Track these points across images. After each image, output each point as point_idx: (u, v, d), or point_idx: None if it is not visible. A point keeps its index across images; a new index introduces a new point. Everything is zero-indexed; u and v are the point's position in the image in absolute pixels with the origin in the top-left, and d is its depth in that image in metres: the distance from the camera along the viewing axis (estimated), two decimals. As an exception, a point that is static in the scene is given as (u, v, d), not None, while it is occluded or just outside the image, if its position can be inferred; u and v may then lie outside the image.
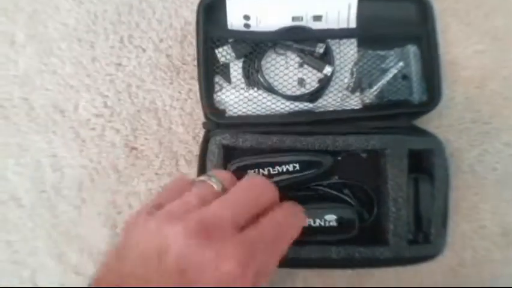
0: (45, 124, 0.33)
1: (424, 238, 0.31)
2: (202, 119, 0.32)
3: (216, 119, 0.31)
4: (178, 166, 0.33)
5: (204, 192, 0.22)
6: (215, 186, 0.22)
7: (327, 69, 0.32)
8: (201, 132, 0.33)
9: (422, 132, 0.32)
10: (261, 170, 0.31)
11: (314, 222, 0.30)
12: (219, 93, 0.32)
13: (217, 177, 0.23)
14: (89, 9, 0.34)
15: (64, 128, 0.33)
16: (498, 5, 0.35)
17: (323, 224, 0.30)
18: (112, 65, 0.33)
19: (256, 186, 0.23)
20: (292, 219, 0.23)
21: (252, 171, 0.30)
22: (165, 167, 0.33)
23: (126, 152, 0.33)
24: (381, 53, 0.32)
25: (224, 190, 0.22)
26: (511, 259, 0.35)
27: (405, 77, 0.32)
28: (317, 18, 0.32)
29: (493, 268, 0.35)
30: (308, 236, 0.29)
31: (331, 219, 0.30)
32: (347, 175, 0.32)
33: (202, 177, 0.23)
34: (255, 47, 0.32)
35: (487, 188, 0.35)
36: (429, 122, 0.35)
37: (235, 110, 0.32)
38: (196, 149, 0.33)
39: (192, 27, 0.32)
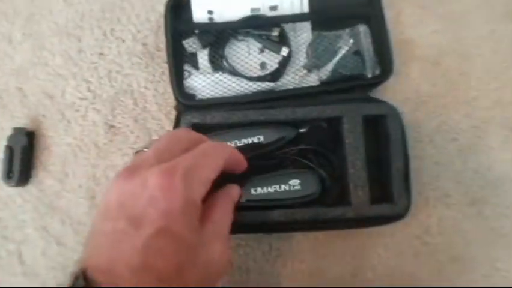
0: (36, 109, 0.37)
1: (387, 198, 0.32)
2: (174, 98, 0.36)
3: (186, 101, 0.35)
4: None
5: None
6: None
7: (284, 50, 0.35)
8: (173, 110, 0.36)
9: (377, 101, 0.35)
10: (228, 143, 0.33)
11: (280, 187, 0.32)
12: (188, 80, 0.36)
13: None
14: (77, 9, 0.39)
15: (52, 111, 0.37)
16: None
17: (287, 188, 0.32)
18: (95, 55, 0.37)
19: (178, 131, 0.29)
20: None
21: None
22: (140, 141, 0.36)
23: (105, 129, 0.36)
24: (334, 33, 0.35)
25: None
26: (482, 229, 0.35)
27: (356, 53, 0.35)
28: (273, 8, 0.36)
29: (462, 237, 0.35)
30: (274, 201, 0.31)
31: (295, 183, 0.32)
32: (311, 145, 0.34)
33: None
34: (218, 35, 0.35)
35: (449, 158, 0.36)
36: (386, 97, 0.37)
37: (203, 94, 0.35)
38: (167, 125, 0.36)
39: (166, 19, 0.36)
